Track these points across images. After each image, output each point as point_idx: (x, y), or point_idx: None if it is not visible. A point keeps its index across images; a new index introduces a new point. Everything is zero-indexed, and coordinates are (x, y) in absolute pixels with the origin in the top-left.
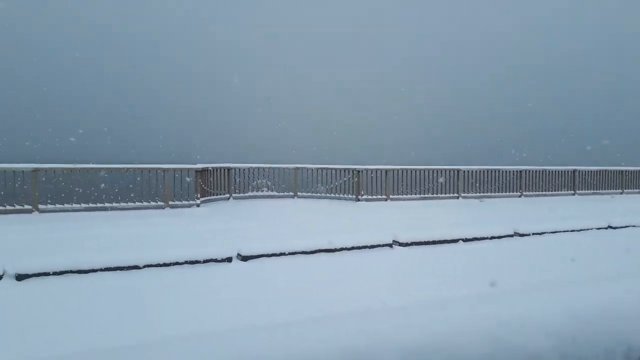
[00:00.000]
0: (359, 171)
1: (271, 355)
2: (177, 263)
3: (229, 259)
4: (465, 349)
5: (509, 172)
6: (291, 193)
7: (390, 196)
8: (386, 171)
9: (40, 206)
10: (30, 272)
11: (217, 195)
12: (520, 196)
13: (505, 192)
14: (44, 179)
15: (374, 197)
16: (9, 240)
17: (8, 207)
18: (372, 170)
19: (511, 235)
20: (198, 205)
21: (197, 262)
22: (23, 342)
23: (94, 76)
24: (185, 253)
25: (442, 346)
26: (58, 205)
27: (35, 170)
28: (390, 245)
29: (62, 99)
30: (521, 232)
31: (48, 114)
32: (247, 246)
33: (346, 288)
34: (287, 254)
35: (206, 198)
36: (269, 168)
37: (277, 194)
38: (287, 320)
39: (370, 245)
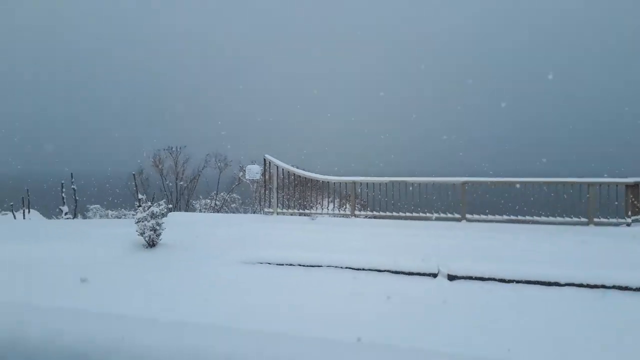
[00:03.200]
0: None
1: None
2: (603, 286)
3: None
4: None
5: None
6: None
7: None
8: None
9: (467, 215)
10: (459, 274)
11: None
12: None
13: None
14: (467, 188)
15: None
16: (441, 244)
17: (442, 215)
18: None
19: None
20: (628, 225)
21: (627, 288)
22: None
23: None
24: (617, 276)
25: None
26: (482, 216)
27: (464, 183)
28: None
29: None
30: None
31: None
32: None
33: None
34: None
35: (638, 217)
36: None
37: None
38: None
39: None
